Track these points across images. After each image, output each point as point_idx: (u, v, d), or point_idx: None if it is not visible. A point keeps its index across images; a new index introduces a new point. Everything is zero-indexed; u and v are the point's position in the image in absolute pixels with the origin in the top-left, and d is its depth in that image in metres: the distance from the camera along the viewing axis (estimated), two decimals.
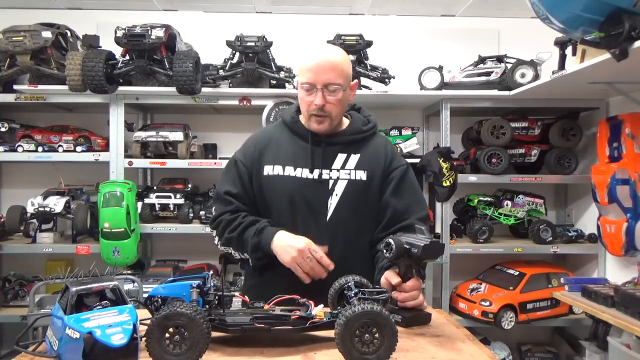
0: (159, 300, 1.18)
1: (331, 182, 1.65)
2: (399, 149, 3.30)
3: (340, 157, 1.69)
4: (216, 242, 1.73)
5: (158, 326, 0.99)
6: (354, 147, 1.71)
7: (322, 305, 1.23)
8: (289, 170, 1.66)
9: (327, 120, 1.64)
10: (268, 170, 1.68)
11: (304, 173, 1.65)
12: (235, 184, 1.71)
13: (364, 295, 1.20)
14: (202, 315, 1.01)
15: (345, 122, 1.78)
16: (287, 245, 1.54)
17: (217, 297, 1.17)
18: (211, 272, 1.23)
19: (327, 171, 1.66)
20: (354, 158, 1.69)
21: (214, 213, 1.74)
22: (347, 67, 1.65)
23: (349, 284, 1.26)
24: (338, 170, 1.67)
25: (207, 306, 1.15)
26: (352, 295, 1.21)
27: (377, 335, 1.02)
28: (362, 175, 1.67)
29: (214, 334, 1.09)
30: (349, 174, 1.67)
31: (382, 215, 1.70)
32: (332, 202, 1.64)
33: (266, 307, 1.20)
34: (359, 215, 1.67)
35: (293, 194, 1.64)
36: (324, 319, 1.16)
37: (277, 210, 1.67)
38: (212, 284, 1.18)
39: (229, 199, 1.70)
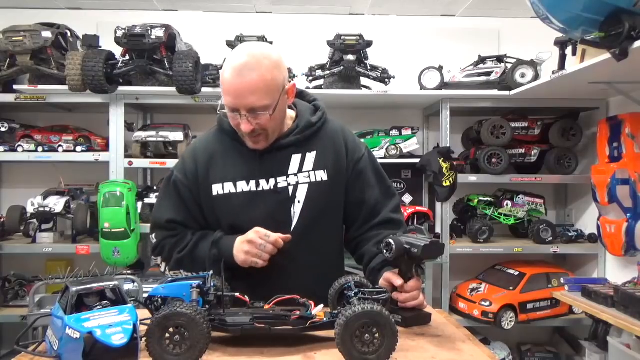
0: (159, 300, 1.17)
1: (291, 188, 1.50)
2: (398, 149, 3.30)
3: (295, 159, 1.52)
4: (162, 268, 1.56)
5: (158, 326, 0.99)
6: (307, 145, 1.54)
7: (322, 305, 1.22)
8: (242, 186, 1.50)
9: (263, 139, 1.46)
10: (217, 189, 1.51)
11: (258, 185, 1.50)
12: (179, 210, 1.54)
13: (364, 296, 1.20)
14: (203, 316, 1.01)
15: (291, 114, 1.59)
16: (239, 243, 1.43)
17: (216, 297, 1.17)
18: (211, 272, 1.22)
19: (283, 178, 1.50)
20: (310, 157, 1.53)
21: (154, 241, 1.57)
22: (273, 78, 1.38)
23: (349, 284, 1.26)
24: (296, 175, 1.51)
25: (207, 306, 1.15)
26: (352, 295, 1.21)
27: (377, 335, 1.02)
28: (322, 175, 1.53)
29: (214, 334, 1.09)
30: (308, 176, 1.52)
31: (356, 212, 1.61)
32: (296, 210, 1.51)
33: (266, 307, 1.20)
34: (325, 218, 1.56)
35: (251, 211, 1.49)
36: (324, 319, 1.16)
37: (235, 230, 1.50)
38: (212, 284, 1.18)
39: (173, 226, 1.55)
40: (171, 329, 1.00)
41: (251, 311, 1.17)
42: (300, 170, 1.53)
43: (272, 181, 1.51)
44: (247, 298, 1.21)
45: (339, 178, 1.57)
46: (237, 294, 1.20)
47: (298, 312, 1.17)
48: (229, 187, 1.51)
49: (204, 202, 1.54)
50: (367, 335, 1.01)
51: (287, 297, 1.23)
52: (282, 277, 1.49)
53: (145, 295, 1.20)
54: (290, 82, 1.50)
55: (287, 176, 1.51)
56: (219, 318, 1.13)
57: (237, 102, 1.37)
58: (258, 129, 1.42)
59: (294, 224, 1.51)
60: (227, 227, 1.53)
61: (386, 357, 1.02)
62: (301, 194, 1.51)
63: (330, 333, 1.12)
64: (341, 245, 1.69)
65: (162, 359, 0.99)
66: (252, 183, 1.50)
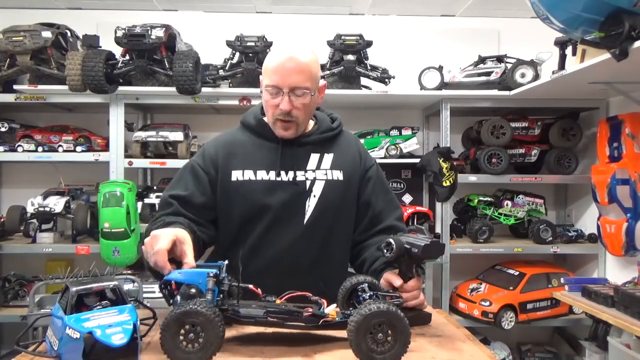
0: (171, 285, 1.15)
1: (308, 182, 1.58)
2: (398, 149, 3.30)
3: (314, 157, 1.62)
4: None
5: (176, 321, 0.98)
6: (326, 147, 1.65)
7: (334, 305, 1.22)
8: (262, 174, 1.57)
9: (294, 126, 1.56)
10: (237, 175, 1.58)
11: (278, 175, 1.57)
12: (186, 187, 1.57)
13: (378, 299, 1.19)
14: (220, 318, 1.00)
15: (311, 122, 1.70)
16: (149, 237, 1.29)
17: (230, 287, 1.14)
18: (226, 261, 1.19)
19: (302, 172, 1.59)
20: (328, 157, 1.64)
21: None
22: (316, 69, 1.56)
23: (363, 285, 1.25)
24: (314, 171, 1.60)
25: (220, 295, 1.12)
26: (367, 297, 1.21)
27: (389, 338, 1.01)
28: (338, 175, 1.62)
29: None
30: (326, 174, 1.61)
31: (361, 216, 1.67)
32: (311, 204, 1.58)
33: (278, 301, 1.19)
34: (338, 216, 1.62)
35: (268, 198, 1.56)
36: (337, 319, 1.15)
37: (250, 215, 1.57)
38: (226, 274, 1.15)
39: (171, 201, 1.55)
40: (187, 326, 0.98)
41: (264, 304, 1.16)
42: (318, 168, 1.61)
43: (291, 173, 1.59)
44: (259, 291, 1.20)
45: (353, 181, 1.65)
46: (250, 286, 1.18)
47: (310, 310, 1.17)
48: (249, 175, 1.58)
49: (219, 186, 1.59)
50: (380, 334, 1.01)
51: (299, 293, 1.22)
52: (290, 269, 1.54)
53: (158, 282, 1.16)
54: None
55: (306, 171, 1.60)
56: (232, 309, 1.12)
57: (282, 80, 1.49)
58: (293, 113, 1.52)
59: (307, 217, 1.57)
60: (240, 213, 1.58)
61: None
62: (317, 189, 1.59)
63: (334, 333, 1.12)
64: (348, 249, 1.71)
65: (172, 353, 0.98)
66: (272, 173, 1.58)
